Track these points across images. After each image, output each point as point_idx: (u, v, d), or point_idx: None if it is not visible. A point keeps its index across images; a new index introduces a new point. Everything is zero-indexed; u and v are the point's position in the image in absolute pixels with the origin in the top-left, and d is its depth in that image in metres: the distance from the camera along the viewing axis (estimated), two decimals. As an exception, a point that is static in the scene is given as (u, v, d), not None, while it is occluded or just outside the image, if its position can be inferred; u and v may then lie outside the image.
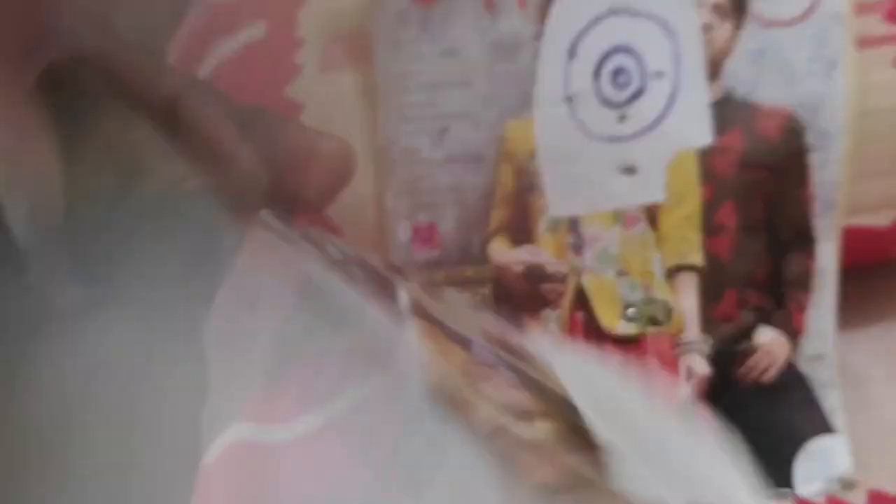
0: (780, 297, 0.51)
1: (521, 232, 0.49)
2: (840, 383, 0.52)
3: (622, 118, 0.48)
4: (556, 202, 0.48)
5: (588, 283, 0.49)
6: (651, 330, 0.50)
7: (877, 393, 0.55)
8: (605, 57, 0.48)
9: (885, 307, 0.60)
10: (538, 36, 0.47)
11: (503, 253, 0.49)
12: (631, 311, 0.49)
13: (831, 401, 0.52)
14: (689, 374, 0.50)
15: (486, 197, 0.48)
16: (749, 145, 0.49)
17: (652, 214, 0.49)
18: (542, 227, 0.49)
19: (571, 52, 0.47)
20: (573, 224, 0.49)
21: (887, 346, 0.58)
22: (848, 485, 0.50)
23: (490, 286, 0.49)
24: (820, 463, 0.51)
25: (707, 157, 0.49)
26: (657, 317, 0.50)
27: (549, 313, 0.49)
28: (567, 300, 0.49)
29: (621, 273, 0.49)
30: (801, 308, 0.51)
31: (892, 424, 0.53)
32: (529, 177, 0.48)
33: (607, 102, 0.48)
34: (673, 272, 0.50)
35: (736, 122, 0.49)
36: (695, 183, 0.49)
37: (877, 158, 0.51)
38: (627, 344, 0.50)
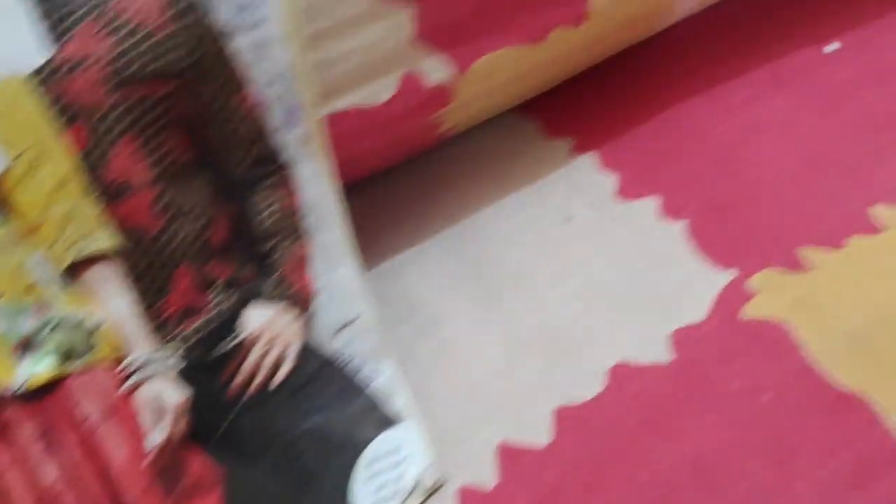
0: (263, 257, 0.35)
1: None
2: (400, 341, 0.37)
3: None
4: None
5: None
6: (74, 367, 0.32)
7: (454, 333, 0.40)
8: None
9: (430, 206, 0.45)
10: None
11: None
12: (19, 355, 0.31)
13: (385, 377, 0.36)
14: (158, 410, 0.32)
15: None
16: (123, 45, 0.31)
17: (3, 195, 0.31)
18: None
19: None
20: None
21: (453, 263, 0.43)
22: (432, 490, 0.36)
23: None
24: (387, 471, 0.36)
25: (54, 83, 0.31)
26: (74, 345, 0.32)
27: None
28: None
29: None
30: (300, 263, 0.35)
31: (480, 376, 0.39)
32: None
33: None
34: (74, 272, 0.32)
35: (83, 13, 0.31)
36: (47, 128, 0.31)
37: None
38: (41, 400, 0.31)
